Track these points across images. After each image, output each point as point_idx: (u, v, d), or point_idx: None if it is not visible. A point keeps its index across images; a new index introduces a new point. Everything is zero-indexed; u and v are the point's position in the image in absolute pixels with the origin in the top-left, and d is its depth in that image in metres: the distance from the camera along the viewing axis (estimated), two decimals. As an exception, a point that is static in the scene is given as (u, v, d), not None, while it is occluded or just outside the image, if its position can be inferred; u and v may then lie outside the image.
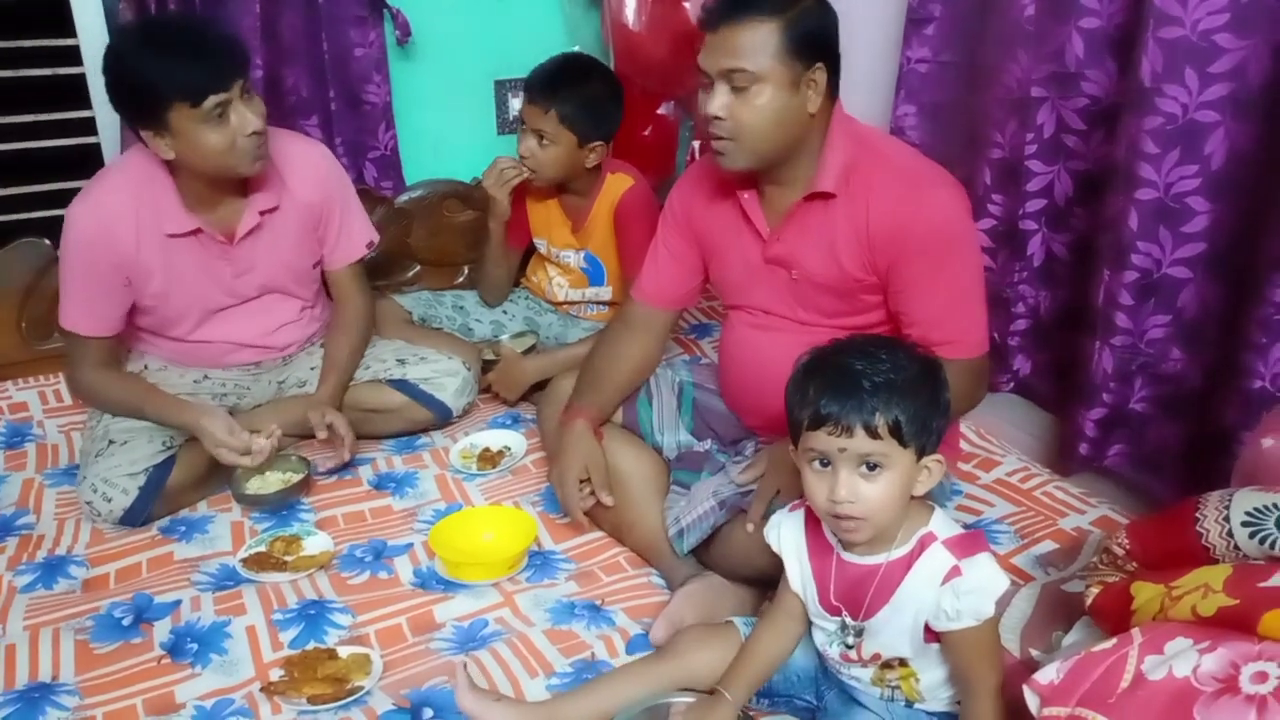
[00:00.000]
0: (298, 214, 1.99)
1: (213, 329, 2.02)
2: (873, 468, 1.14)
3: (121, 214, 1.84)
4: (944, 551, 1.18)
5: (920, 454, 1.16)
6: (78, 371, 1.97)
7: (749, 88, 1.47)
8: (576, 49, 2.76)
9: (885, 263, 1.56)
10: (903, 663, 1.26)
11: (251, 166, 1.81)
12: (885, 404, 1.12)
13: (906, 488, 1.17)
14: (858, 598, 1.23)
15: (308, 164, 2.02)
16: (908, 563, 1.20)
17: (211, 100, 1.70)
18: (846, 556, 1.24)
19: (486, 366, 2.33)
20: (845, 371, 1.14)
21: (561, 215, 2.38)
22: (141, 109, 1.74)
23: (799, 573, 1.31)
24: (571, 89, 2.16)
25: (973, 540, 1.20)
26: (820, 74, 1.50)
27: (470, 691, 1.33)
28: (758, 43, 1.45)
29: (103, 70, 1.74)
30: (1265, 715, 0.94)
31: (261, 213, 1.93)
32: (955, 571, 1.16)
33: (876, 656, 1.26)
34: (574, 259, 2.41)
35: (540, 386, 2.22)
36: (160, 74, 1.69)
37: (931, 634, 1.21)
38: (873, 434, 1.12)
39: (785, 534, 1.32)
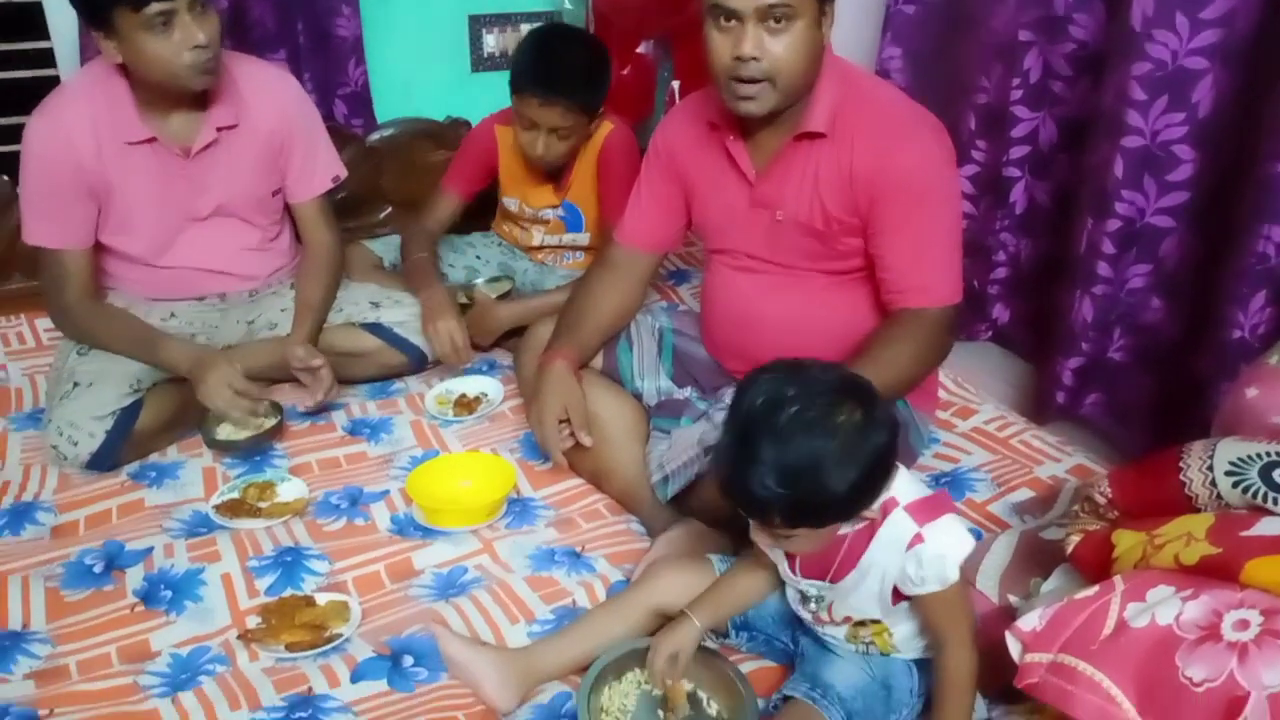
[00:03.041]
0: (257, 138, 1.95)
1: (174, 252, 1.98)
2: None
3: (79, 124, 1.81)
4: (905, 517, 1.16)
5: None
6: (60, 298, 1.92)
7: (785, 24, 1.42)
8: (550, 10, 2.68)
9: (866, 204, 1.55)
10: (875, 621, 1.26)
11: (196, 80, 1.77)
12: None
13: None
14: (825, 564, 1.22)
15: (272, 90, 1.98)
16: (871, 530, 1.18)
17: (154, 8, 1.66)
18: None
19: (460, 311, 2.29)
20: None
21: (542, 176, 2.30)
22: (90, 6, 1.71)
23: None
24: (574, 71, 2.06)
25: (935, 503, 1.18)
26: (831, 7, 1.48)
27: (454, 639, 1.33)
28: None
29: None
30: (1246, 662, 0.96)
31: (219, 129, 1.89)
32: (918, 539, 1.15)
33: (848, 619, 1.26)
34: (552, 213, 2.36)
35: (515, 332, 2.19)
36: None
37: (899, 595, 1.20)
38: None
39: None
